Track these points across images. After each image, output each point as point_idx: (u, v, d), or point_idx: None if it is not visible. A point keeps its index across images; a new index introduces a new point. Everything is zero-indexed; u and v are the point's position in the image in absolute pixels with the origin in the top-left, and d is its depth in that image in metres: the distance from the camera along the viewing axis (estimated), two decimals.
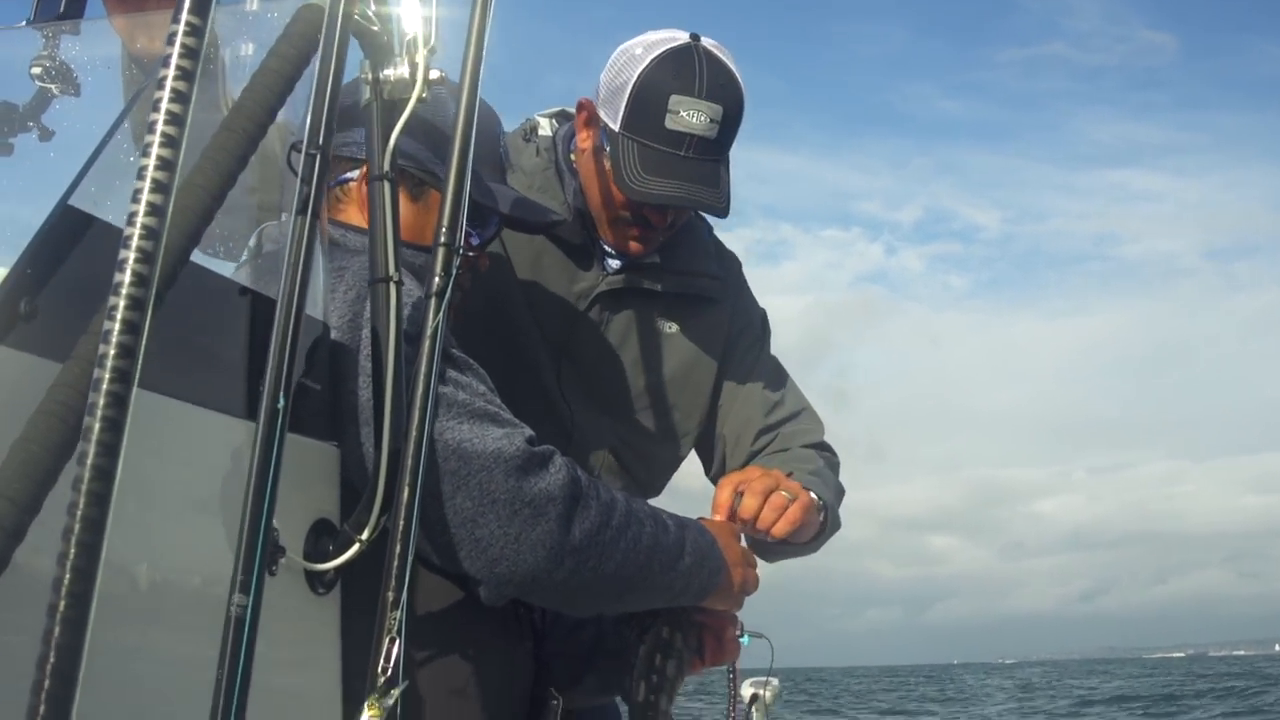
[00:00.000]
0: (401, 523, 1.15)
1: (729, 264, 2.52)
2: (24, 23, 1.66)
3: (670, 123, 2.13)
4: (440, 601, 1.49)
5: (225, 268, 1.51)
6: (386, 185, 1.39)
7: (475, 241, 1.83)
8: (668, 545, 1.59)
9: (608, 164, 2.20)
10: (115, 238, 1.15)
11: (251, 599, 0.90)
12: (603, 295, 2.31)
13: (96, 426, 0.74)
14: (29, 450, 0.92)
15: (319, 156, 1.13)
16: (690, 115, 2.13)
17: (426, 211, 1.67)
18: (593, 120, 2.26)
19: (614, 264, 2.34)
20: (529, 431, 1.49)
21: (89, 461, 0.73)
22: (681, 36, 2.21)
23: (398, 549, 1.14)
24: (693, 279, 2.40)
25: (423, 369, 1.22)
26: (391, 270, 1.36)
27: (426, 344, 1.21)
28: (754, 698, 7.00)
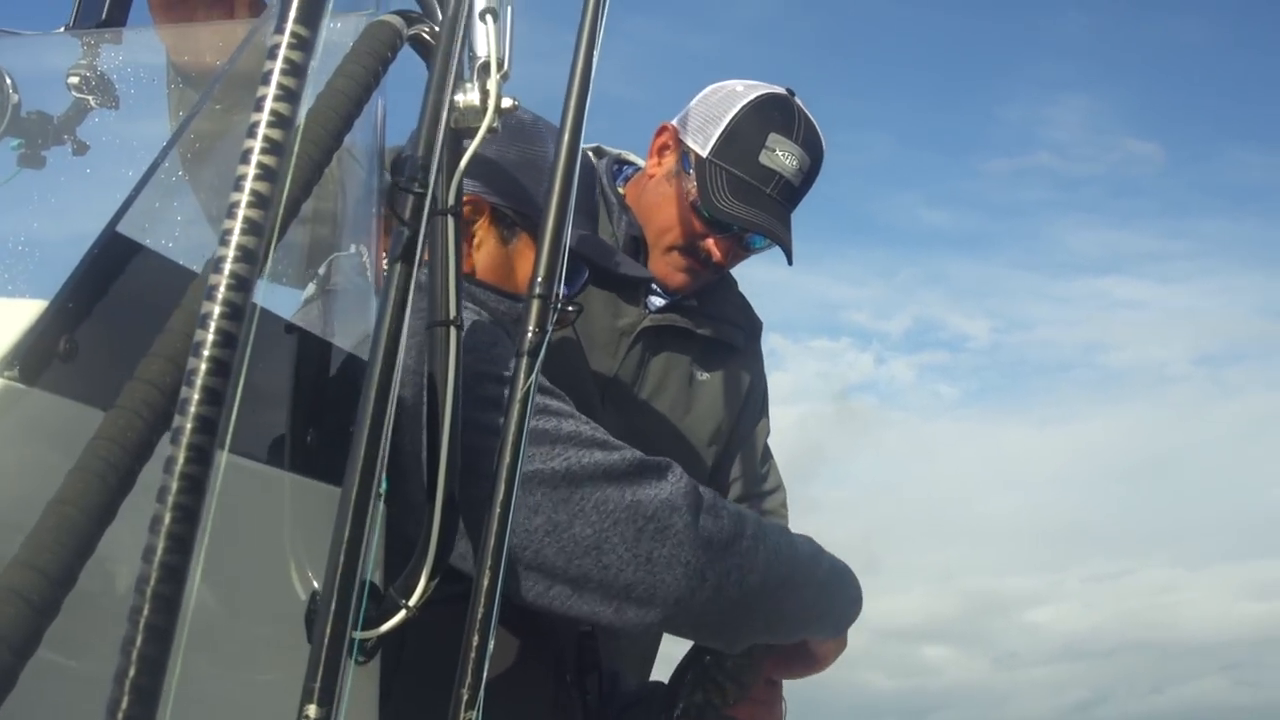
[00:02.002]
0: (481, 609, 1.02)
1: (756, 323, 2.54)
2: (62, 28, 1.56)
3: (764, 159, 2.19)
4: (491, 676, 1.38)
5: (288, 294, 1.43)
6: (451, 221, 1.29)
7: (565, 293, 1.74)
8: (811, 558, 1.49)
9: (689, 186, 2.22)
10: (166, 270, 1.06)
11: (334, 713, 0.78)
12: (646, 332, 2.27)
13: (168, 518, 0.63)
14: (64, 513, 0.81)
15: (425, 197, 1.02)
16: (784, 156, 2.19)
17: (514, 255, 1.58)
18: (669, 146, 2.30)
19: (657, 301, 2.33)
20: (638, 451, 1.38)
21: (156, 559, 0.62)
22: (779, 88, 2.30)
23: (475, 640, 1.01)
24: (728, 327, 2.42)
25: (512, 430, 1.10)
26: (453, 313, 1.26)
27: (517, 407, 1.09)
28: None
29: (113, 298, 0.97)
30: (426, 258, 1.36)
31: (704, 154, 2.21)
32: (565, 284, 1.71)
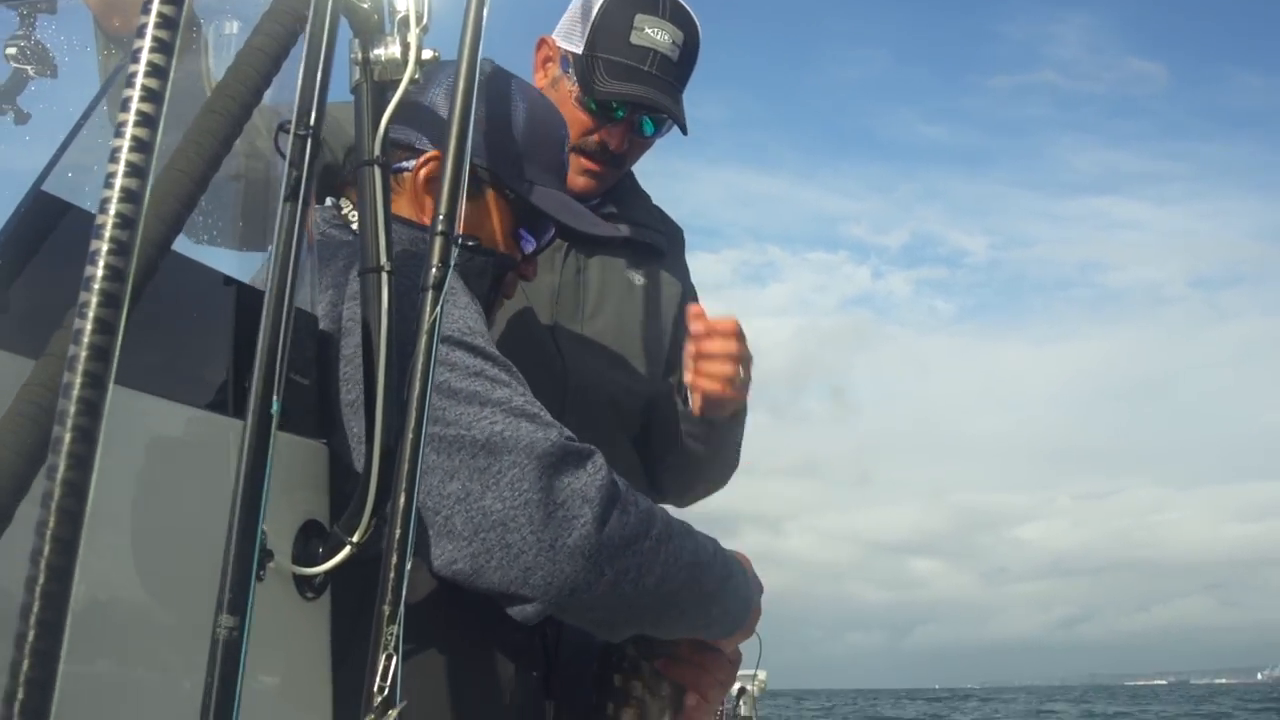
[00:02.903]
0: (399, 530, 1.08)
1: (676, 229, 2.58)
2: None
3: (635, 39, 2.26)
4: (442, 623, 1.42)
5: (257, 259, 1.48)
6: (377, 171, 1.33)
7: (529, 248, 1.78)
8: (708, 564, 1.50)
9: (569, 86, 2.29)
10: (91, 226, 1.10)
11: (245, 619, 0.83)
12: (575, 244, 2.32)
13: (67, 437, 0.67)
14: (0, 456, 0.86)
15: (308, 139, 1.06)
16: (654, 32, 2.26)
17: (480, 210, 1.66)
18: (550, 58, 2.37)
19: None
20: (567, 431, 1.40)
21: (59, 476, 0.67)
22: None
23: (394, 559, 1.06)
24: (649, 231, 2.47)
25: (419, 364, 1.15)
26: (383, 260, 1.30)
27: (424, 339, 1.14)
28: (741, 690, 7.05)
29: (42, 254, 1.02)
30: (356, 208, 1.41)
31: (579, 51, 2.28)
32: (532, 239, 1.76)
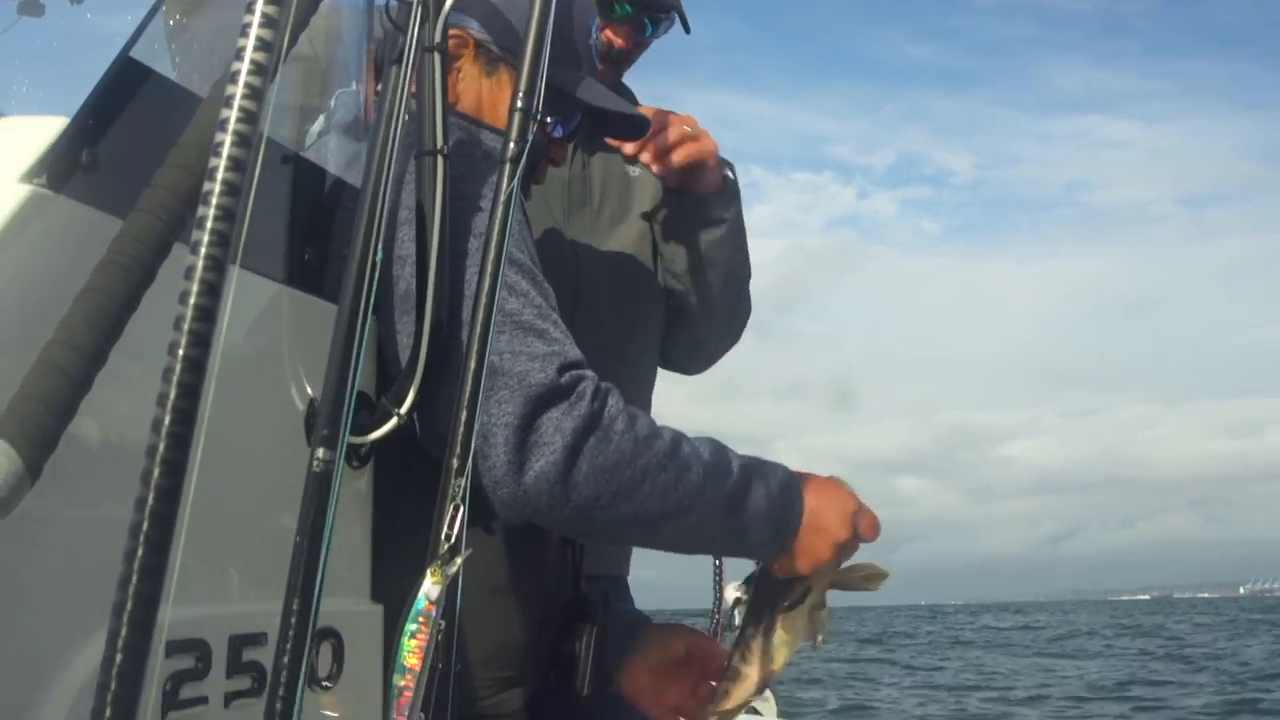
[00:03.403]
0: (469, 387, 1.13)
1: None
2: None
3: None
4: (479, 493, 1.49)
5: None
6: (437, 58, 1.36)
7: (558, 134, 1.79)
8: (715, 495, 1.49)
9: None
10: (176, 93, 1.15)
11: (339, 453, 0.90)
12: (579, 140, 2.33)
13: (190, 314, 0.73)
14: (95, 300, 0.92)
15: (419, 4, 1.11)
16: None
17: (496, 89, 1.66)
18: None
19: None
20: (571, 355, 1.44)
21: (181, 351, 0.72)
22: None
23: (464, 415, 1.13)
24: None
25: (495, 233, 1.20)
26: (440, 143, 1.34)
27: (500, 210, 1.19)
28: (736, 601, 7.16)
29: (128, 116, 1.06)
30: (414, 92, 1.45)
31: None
32: (560, 125, 1.77)
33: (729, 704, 1.74)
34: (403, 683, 1.03)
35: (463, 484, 1.08)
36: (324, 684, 1.28)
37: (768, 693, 6.57)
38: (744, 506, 1.52)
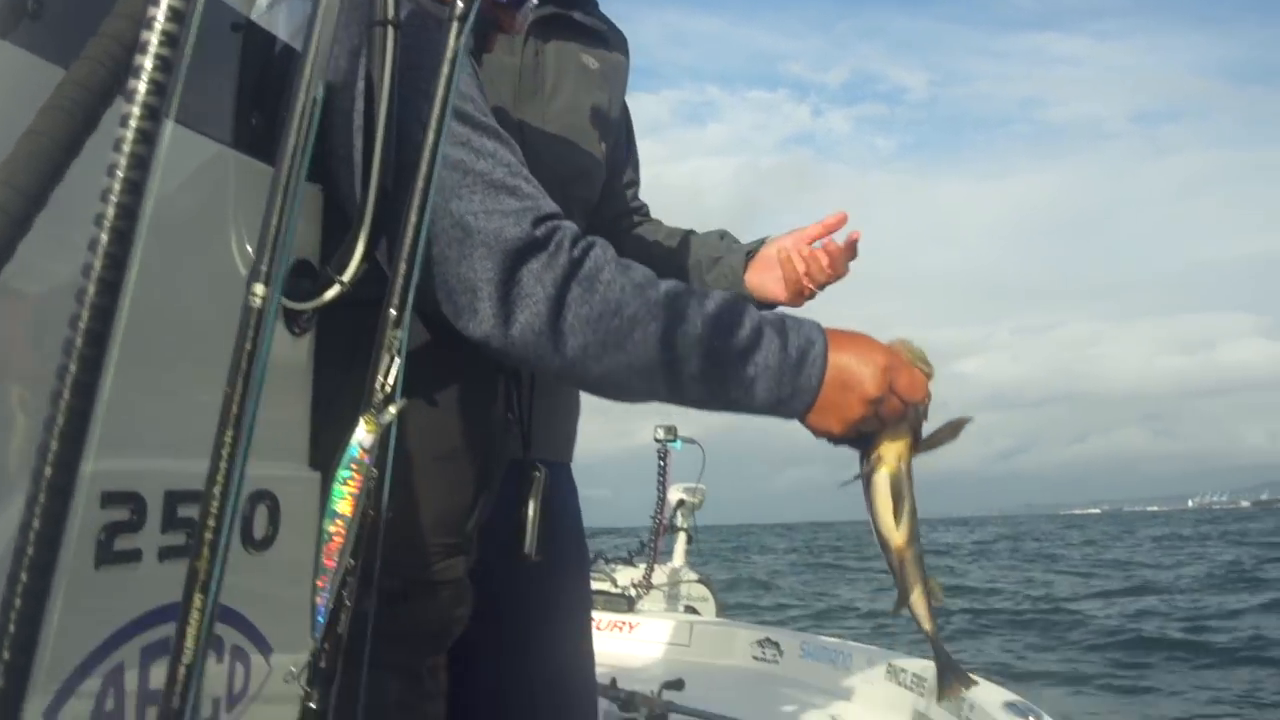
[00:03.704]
0: (409, 238, 1.15)
1: (622, 36, 2.61)
2: None
3: None
4: (428, 360, 1.50)
5: None
6: None
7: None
8: (718, 347, 1.48)
9: None
10: None
11: (275, 290, 0.92)
12: (535, 24, 2.35)
13: (124, 162, 0.75)
14: (38, 142, 0.93)
15: None
16: None
17: None
18: None
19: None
20: (545, 208, 1.45)
21: (114, 199, 0.74)
22: None
23: (403, 267, 1.15)
24: (602, 22, 2.52)
25: (440, 88, 1.21)
26: (390, 13, 1.34)
27: (446, 67, 1.20)
28: (680, 503, 7.31)
29: None
30: None
31: None
32: None
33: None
34: (333, 528, 1.07)
35: (400, 335, 1.11)
36: (258, 546, 1.31)
37: (707, 593, 6.76)
38: (751, 359, 1.50)
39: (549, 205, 1.46)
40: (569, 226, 1.46)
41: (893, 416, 1.59)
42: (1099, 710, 11.38)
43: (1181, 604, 20.21)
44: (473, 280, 1.38)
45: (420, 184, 1.18)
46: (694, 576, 6.58)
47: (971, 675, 1.80)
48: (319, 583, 1.09)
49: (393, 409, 1.11)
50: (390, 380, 1.10)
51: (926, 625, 1.69)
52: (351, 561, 1.09)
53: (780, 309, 1.58)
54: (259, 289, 0.91)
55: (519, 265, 1.39)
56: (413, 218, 1.15)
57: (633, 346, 1.44)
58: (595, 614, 5.23)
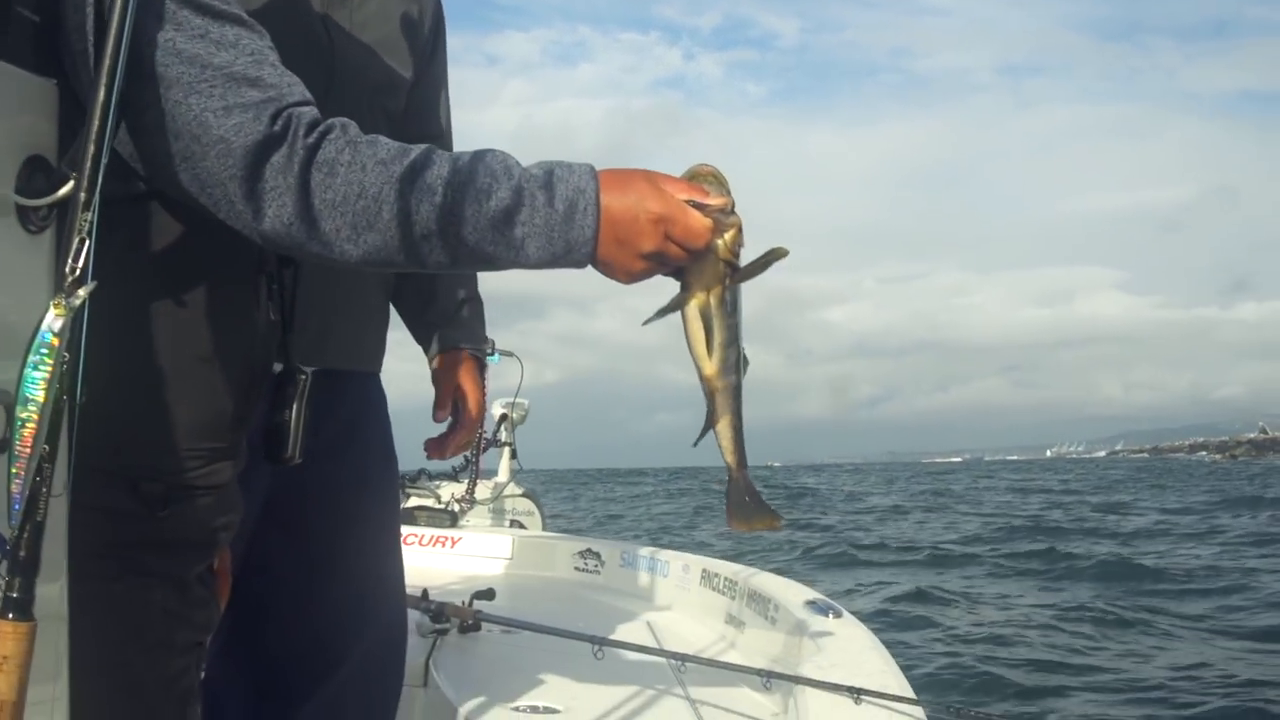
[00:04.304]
0: (97, 118, 1.13)
1: None
2: None
3: None
4: (178, 259, 1.49)
5: None
6: None
7: None
8: (473, 214, 1.43)
9: None
10: None
11: None
12: None
13: None
14: None
15: None
16: None
17: None
18: None
19: None
20: (289, 97, 1.42)
21: None
22: None
23: (90, 148, 1.12)
24: None
25: None
26: None
27: None
28: (503, 417, 7.31)
29: None
30: None
31: None
32: None
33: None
34: (25, 414, 1.05)
35: (89, 217, 1.08)
36: None
37: (533, 506, 6.82)
38: (516, 220, 1.45)
39: (293, 94, 1.43)
40: (307, 112, 1.42)
41: (679, 262, 1.54)
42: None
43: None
44: (220, 176, 1.36)
45: (107, 62, 1.15)
46: (519, 490, 6.62)
47: (773, 520, 1.77)
48: (16, 469, 1.06)
49: (82, 292, 1.08)
50: (80, 263, 1.07)
51: (729, 456, 1.71)
52: (46, 448, 1.06)
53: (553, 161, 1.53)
54: None
55: (261, 161, 1.37)
56: (100, 96, 1.12)
57: (384, 225, 1.41)
58: (418, 529, 5.27)
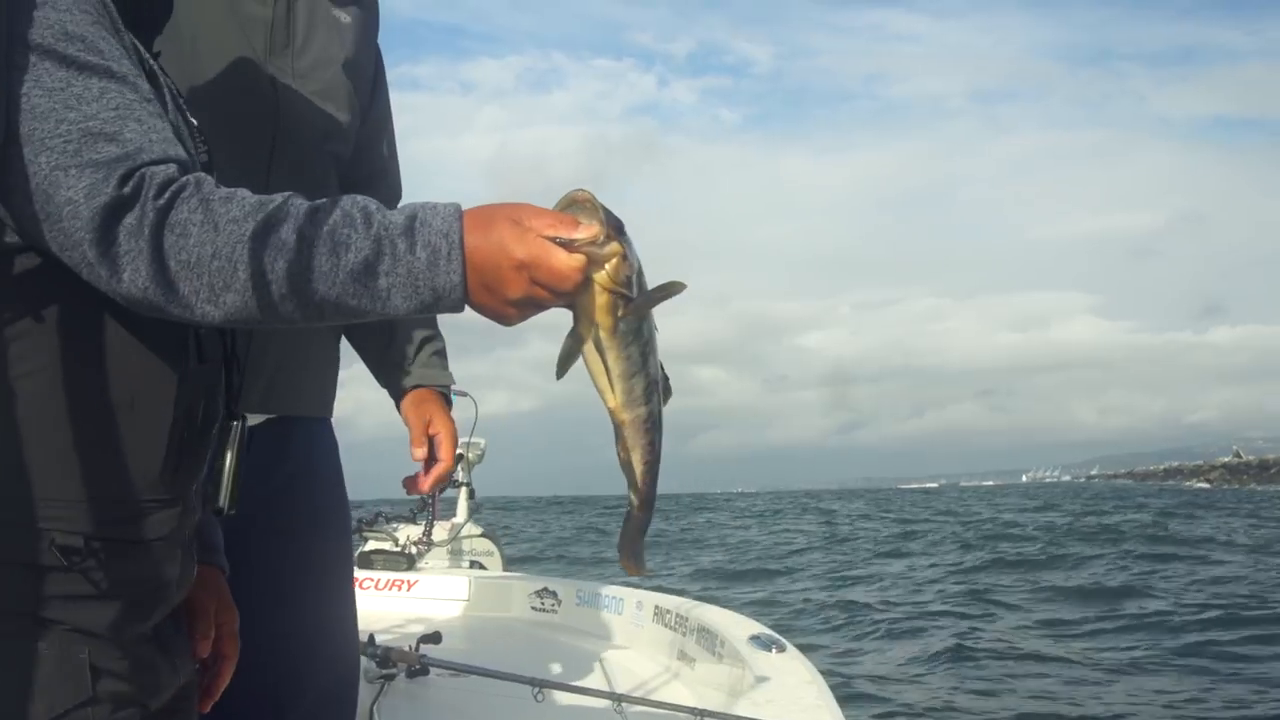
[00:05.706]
0: None
1: None
2: None
3: None
4: (92, 302, 1.45)
5: None
6: None
7: None
8: (331, 270, 1.40)
9: None
10: None
11: None
12: None
13: None
14: None
15: None
16: None
17: None
18: None
19: None
20: (145, 155, 1.38)
21: None
22: None
23: None
24: None
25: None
26: None
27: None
28: (459, 457, 7.28)
29: None
30: None
31: None
32: None
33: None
34: None
35: None
36: None
37: (492, 546, 6.79)
38: (375, 273, 1.40)
39: (152, 151, 1.39)
40: (160, 171, 1.38)
41: (554, 304, 1.48)
42: None
43: None
44: (74, 238, 1.34)
45: None
46: (478, 531, 6.59)
47: (643, 567, 1.71)
48: None
49: None
50: None
51: (635, 492, 1.65)
52: None
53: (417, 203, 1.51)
54: None
55: (112, 224, 1.34)
56: None
57: (241, 285, 1.38)
58: (374, 573, 5.24)
